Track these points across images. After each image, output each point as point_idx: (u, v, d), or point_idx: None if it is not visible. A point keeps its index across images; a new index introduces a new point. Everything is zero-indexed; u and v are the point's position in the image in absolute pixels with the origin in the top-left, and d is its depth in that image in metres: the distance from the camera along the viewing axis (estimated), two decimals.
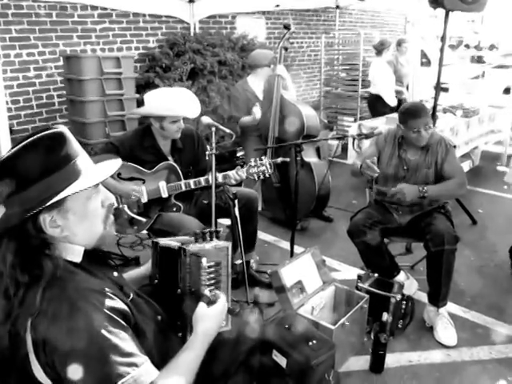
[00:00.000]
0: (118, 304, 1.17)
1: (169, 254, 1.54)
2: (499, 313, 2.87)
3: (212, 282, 1.45)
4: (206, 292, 1.41)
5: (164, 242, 1.60)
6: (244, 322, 1.63)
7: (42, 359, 1.08)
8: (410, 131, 2.71)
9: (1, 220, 1.11)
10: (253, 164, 2.69)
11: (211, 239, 1.53)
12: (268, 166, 2.68)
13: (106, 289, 1.17)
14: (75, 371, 1.04)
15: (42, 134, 1.15)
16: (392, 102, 5.91)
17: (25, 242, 1.12)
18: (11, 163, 1.11)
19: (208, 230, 1.54)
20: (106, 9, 5.20)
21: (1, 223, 1.11)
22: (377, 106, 6.01)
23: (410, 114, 2.72)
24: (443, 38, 3.57)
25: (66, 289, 1.11)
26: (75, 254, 1.22)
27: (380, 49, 5.94)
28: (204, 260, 1.41)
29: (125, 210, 2.83)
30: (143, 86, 5.01)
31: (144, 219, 2.83)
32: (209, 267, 1.43)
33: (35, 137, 1.14)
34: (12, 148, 1.13)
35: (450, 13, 3.41)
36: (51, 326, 1.05)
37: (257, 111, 3.87)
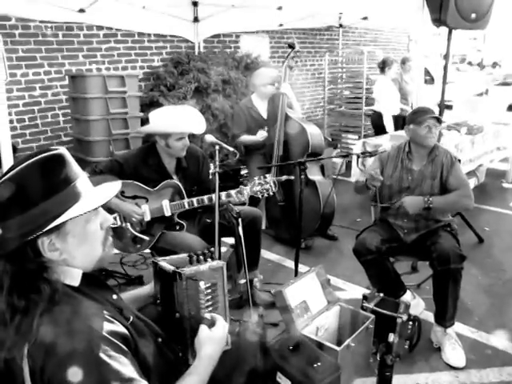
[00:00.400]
0: (118, 328, 1.14)
1: (165, 276, 1.52)
2: (509, 333, 2.81)
3: (210, 303, 1.43)
4: (207, 315, 1.39)
5: (162, 262, 1.58)
6: (245, 338, 1.60)
7: None
8: (420, 127, 2.72)
9: None
10: (257, 182, 2.67)
11: (205, 260, 1.51)
12: (272, 185, 2.66)
13: (106, 312, 1.15)
14: None
15: (41, 156, 1.13)
16: (390, 127, 5.92)
17: (22, 266, 1.09)
18: (9, 186, 1.08)
19: (202, 251, 1.53)
20: (111, 29, 5.28)
21: None
22: (380, 123, 6.02)
23: (420, 111, 2.83)
24: (446, 56, 3.58)
25: (64, 314, 1.08)
26: (74, 278, 1.19)
27: (382, 67, 5.99)
28: (202, 283, 1.40)
29: (128, 228, 2.82)
30: (148, 105, 5.04)
31: (147, 238, 2.82)
32: (206, 289, 1.41)
33: (34, 159, 1.11)
34: (9, 170, 1.11)
35: (453, 31, 3.43)
36: (49, 352, 1.02)
37: (261, 134, 3.90)
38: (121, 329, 1.15)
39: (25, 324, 1.05)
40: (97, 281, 1.29)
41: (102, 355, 1.04)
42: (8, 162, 2.72)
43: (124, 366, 1.07)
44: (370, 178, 2.71)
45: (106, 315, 1.14)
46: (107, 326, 1.10)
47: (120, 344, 1.10)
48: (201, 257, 1.51)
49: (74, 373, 1.01)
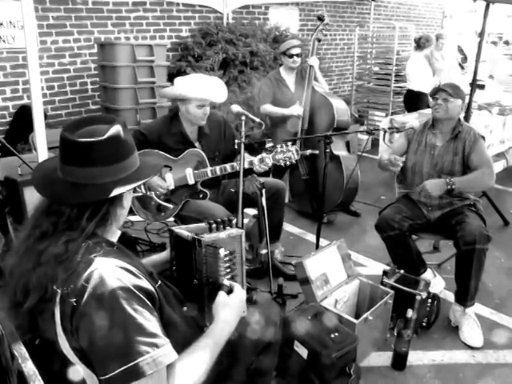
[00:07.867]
0: (146, 284, 1.18)
1: (183, 243, 1.54)
2: None
3: (228, 270, 1.45)
4: (225, 282, 1.41)
5: (179, 230, 1.60)
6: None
7: (68, 330, 1.10)
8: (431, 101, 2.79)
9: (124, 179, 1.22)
10: (279, 150, 2.67)
11: (225, 228, 1.54)
12: (295, 153, 2.65)
13: (135, 268, 1.19)
14: (96, 344, 1.06)
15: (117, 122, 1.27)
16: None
17: (109, 210, 1.23)
18: (117, 137, 1.22)
19: (221, 219, 1.56)
20: None
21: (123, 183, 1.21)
22: (413, 101, 5.89)
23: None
24: (482, 33, 3.46)
25: (94, 263, 1.13)
26: (114, 235, 1.30)
27: (423, 44, 5.76)
28: (222, 251, 1.41)
29: (153, 197, 2.86)
30: (175, 75, 5.03)
31: (171, 206, 2.86)
32: (225, 256, 1.43)
33: (115, 123, 1.24)
34: (105, 130, 1.22)
35: (491, 5, 3.31)
36: (78, 299, 1.08)
37: (295, 109, 3.86)
38: (148, 285, 1.18)
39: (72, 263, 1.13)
40: (130, 245, 1.35)
41: (126, 307, 1.08)
42: (40, 128, 2.75)
43: (148, 320, 1.10)
44: (389, 164, 2.70)
45: (133, 270, 1.17)
46: (134, 280, 1.14)
47: (145, 299, 1.14)
48: (220, 225, 1.53)
49: (99, 320, 1.06)
